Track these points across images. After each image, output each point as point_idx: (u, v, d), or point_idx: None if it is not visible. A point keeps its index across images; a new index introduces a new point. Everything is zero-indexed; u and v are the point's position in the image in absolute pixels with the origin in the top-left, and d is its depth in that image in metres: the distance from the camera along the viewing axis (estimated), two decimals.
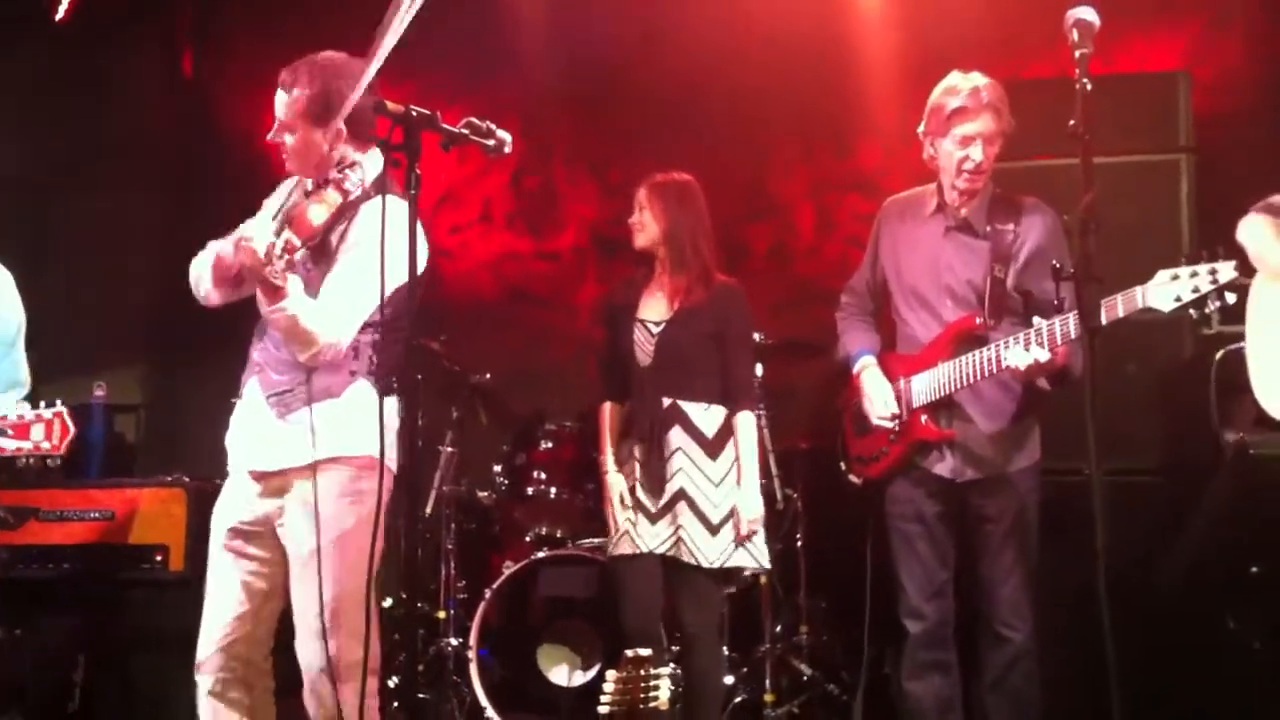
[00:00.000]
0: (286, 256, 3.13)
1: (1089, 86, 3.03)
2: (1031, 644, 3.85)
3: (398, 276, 2.92)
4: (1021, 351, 3.60)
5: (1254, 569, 3.85)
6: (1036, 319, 3.59)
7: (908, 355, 4.02)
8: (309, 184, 3.41)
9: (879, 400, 4.01)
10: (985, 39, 5.33)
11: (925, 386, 3.91)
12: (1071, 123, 3.03)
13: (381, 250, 2.87)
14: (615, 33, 6.09)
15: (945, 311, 3.94)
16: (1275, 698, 3.89)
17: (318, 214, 3.24)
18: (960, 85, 3.87)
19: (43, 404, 3.45)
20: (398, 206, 2.93)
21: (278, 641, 3.49)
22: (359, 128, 3.37)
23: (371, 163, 3.39)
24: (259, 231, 3.15)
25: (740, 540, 4.15)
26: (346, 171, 3.32)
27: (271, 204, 3.58)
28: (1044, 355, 3.57)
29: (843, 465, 4.24)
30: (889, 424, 3.97)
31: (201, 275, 3.48)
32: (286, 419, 3.35)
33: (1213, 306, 3.28)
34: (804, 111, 6.02)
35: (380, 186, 3.26)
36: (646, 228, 4.31)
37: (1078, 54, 3.06)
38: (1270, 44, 5.32)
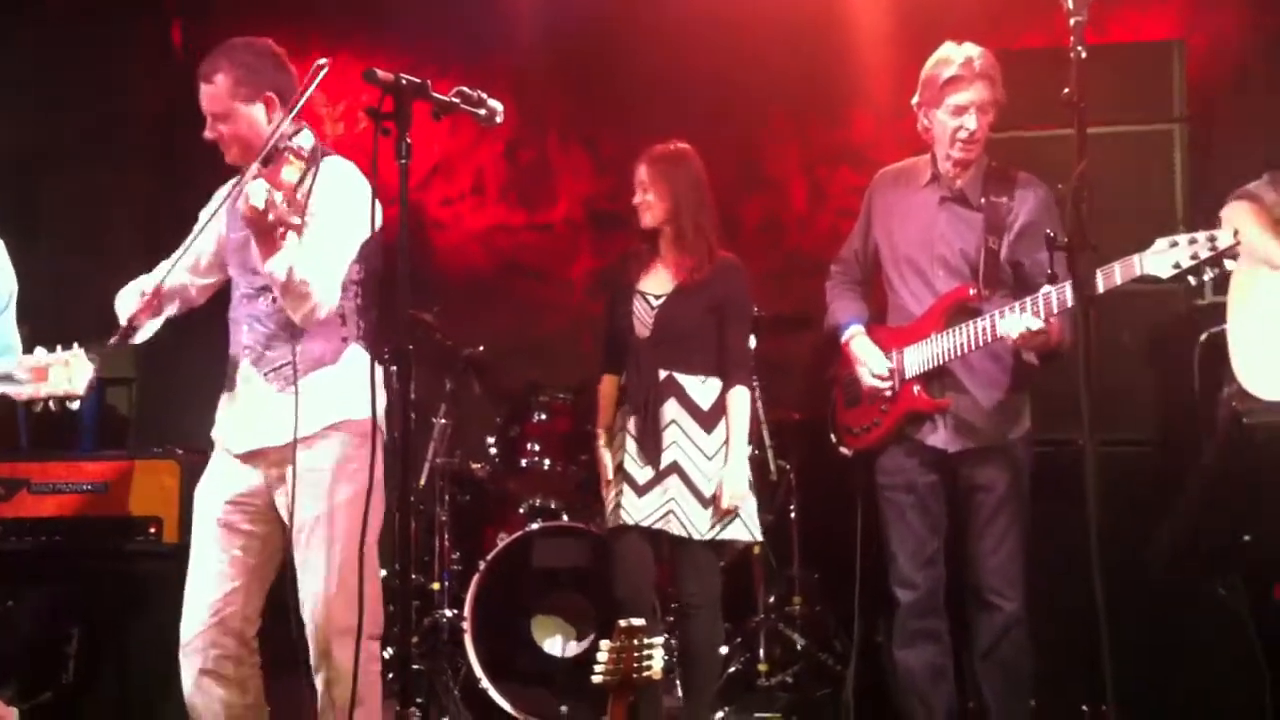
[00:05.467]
0: (285, 203, 3.16)
1: (1084, 55, 3.02)
2: (1023, 613, 3.86)
3: (364, 235, 2.97)
4: (1015, 320, 3.60)
5: (1246, 538, 3.87)
6: (1045, 287, 3.57)
7: (899, 326, 4.02)
8: (255, 167, 3.36)
9: (871, 363, 4.00)
10: (977, 7, 5.30)
11: (918, 357, 3.91)
12: (1066, 91, 3.03)
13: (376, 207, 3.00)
14: (606, 3, 6.06)
15: (938, 282, 3.93)
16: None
17: (290, 174, 3.25)
18: (953, 55, 3.86)
19: (59, 347, 3.36)
20: (345, 168, 3.02)
21: (267, 619, 3.50)
22: (290, 103, 3.41)
23: (305, 135, 3.41)
24: (253, 187, 3.16)
25: (723, 515, 4.14)
26: (293, 139, 3.35)
27: (205, 213, 3.60)
28: (1036, 324, 3.57)
29: (833, 437, 4.25)
30: (884, 384, 3.96)
31: (120, 313, 3.52)
32: (286, 391, 3.38)
33: (1210, 274, 3.28)
34: (796, 83, 6.00)
35: (318, 153, 3.32)
36: (653, 208, 4.26)
37: (1072, 21, 3.05)
38: (1264, 12, 5.30)
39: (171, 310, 3.62)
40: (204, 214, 3.60)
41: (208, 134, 3.47)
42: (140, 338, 3.57)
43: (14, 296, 3.85)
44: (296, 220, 3.18)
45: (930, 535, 3.95)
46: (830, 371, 4.29)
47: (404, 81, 2.88)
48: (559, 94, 6.33)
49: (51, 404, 3.35)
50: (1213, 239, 3.25)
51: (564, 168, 6.44)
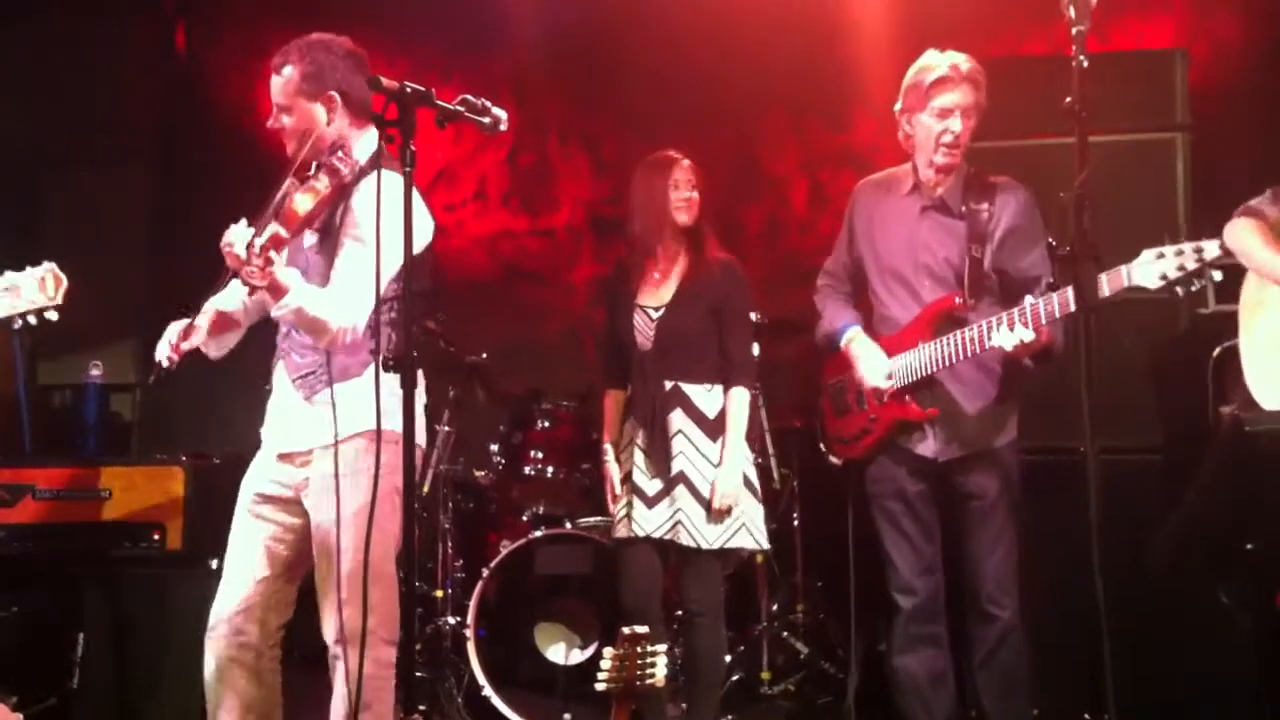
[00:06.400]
0: (268, 252, 3.12)
1: (1086, 63, 3.02)
2: (1018, 619, 3.85)
3: (403, 251, 2.94)
4: (1008, 332, 3.59)
5: (1248, 546, 3.87)
6: (1028, 298, 3.58)
7: (886, 336, 4.00)
8: (289, 180, 3.35)
9: (874, 365, 3.96)
10: (979, 14, 5.32)
11: (906, 367, 3.90)
12: (1068, 100, 3.03)
13: (377, 225, 2.91)
14: (607, 7, 6.07)
15: (924, 291, 3.92)
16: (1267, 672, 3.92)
17: (303, 203, 3.22)
18: (937, 60, 3.87)
19: (28, 266, 3.38)
20: (395, 181, 2.92)
21: (297, 612, 3.51)
22: (356, 107, 3.39)
23: (367, 141, 3.40)
24: (237, 234, 3.14)
25: (716, 516, 4.13)
26: (339, 153, 3.32)
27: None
28: (1029, 335, 3.56)
29: (822, 446, 4.24)
30: (886, 384, 3.93)
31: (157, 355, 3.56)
32: (312, 400, 3.40)
33: (1198, 285, 3.28)
34: (797, 86, 6.01)
35: (376, 163, 3.26)
36: (696, 205, 4.29)
37: (1074, 30, 3.05)
38: (1266, 20, 5.31)
39: (250, 322, 3.63)
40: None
41: (270, 123, 3.45)
42: (215, 354, 3.61)
43: None
44: (256, 282, 3.15)
45: (926, 542, 3.94)
46: (819, 379, 4.29)
47: (408, 89, 2.87)
48: (559, 97, 6.34)
49: (31, 318, 3.35)
50: (1199, 250, 3.24)
51: (565, 171, 6.45)
